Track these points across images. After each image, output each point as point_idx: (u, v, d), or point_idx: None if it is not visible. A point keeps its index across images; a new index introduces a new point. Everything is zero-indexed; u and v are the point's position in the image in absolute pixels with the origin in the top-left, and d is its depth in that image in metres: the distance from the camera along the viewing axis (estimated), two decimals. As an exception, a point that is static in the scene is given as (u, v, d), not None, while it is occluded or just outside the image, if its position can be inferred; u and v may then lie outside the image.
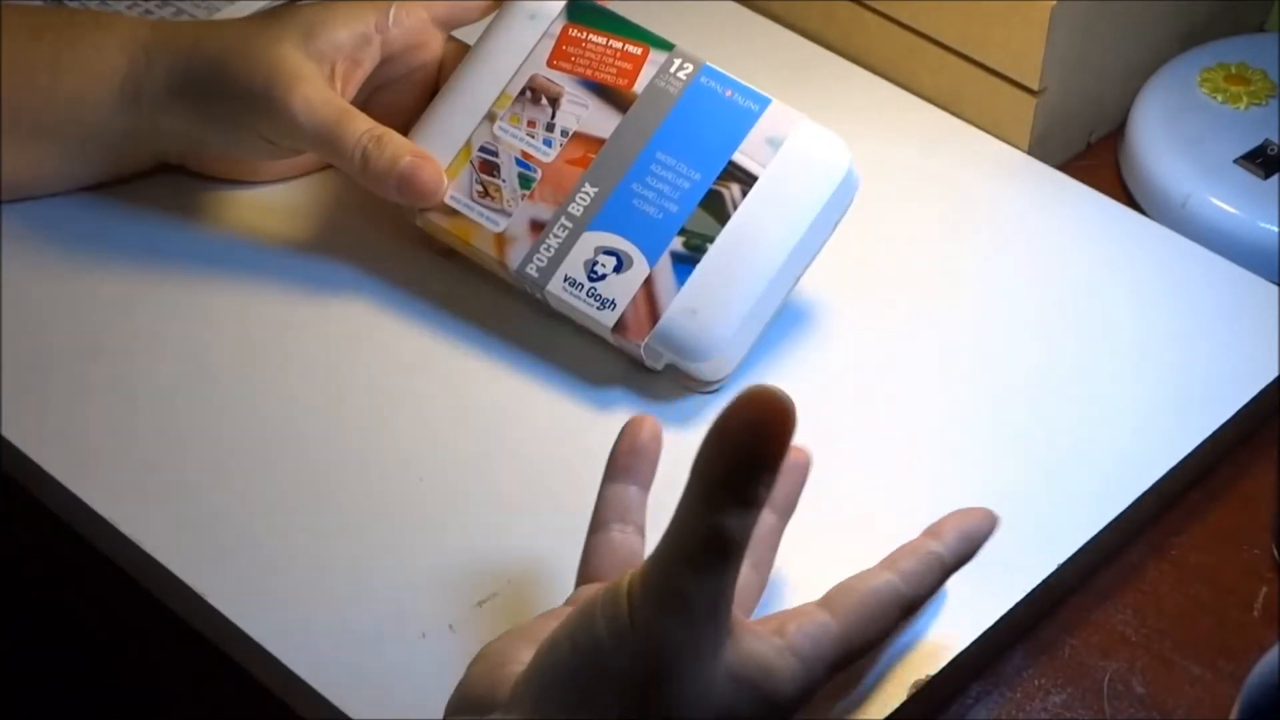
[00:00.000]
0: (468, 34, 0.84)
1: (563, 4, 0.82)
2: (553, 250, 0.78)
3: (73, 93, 0.81)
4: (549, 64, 0.81)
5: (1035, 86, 0.87)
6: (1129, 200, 0.89)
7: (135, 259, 0.83)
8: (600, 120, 0.80)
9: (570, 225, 0.78)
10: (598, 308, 0.77)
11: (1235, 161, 0.87)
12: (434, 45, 0.83)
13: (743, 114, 0.79)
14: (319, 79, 0.78)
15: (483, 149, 0.80)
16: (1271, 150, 0.88)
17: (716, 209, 0.77)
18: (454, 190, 0.80)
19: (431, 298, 0.82)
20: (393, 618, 0.70)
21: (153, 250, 0.83)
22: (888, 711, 0.67)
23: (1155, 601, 0.73)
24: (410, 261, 0.83)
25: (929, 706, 0.69)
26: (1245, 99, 0.90)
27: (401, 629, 0.69)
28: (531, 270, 0.78)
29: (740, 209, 0.77)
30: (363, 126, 0.78)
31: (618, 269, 0.77)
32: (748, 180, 0.77)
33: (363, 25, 0.80)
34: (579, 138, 0.79)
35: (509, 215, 0.79)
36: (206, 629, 0.71)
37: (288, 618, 0.69)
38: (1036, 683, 0.71)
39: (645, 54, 0.80)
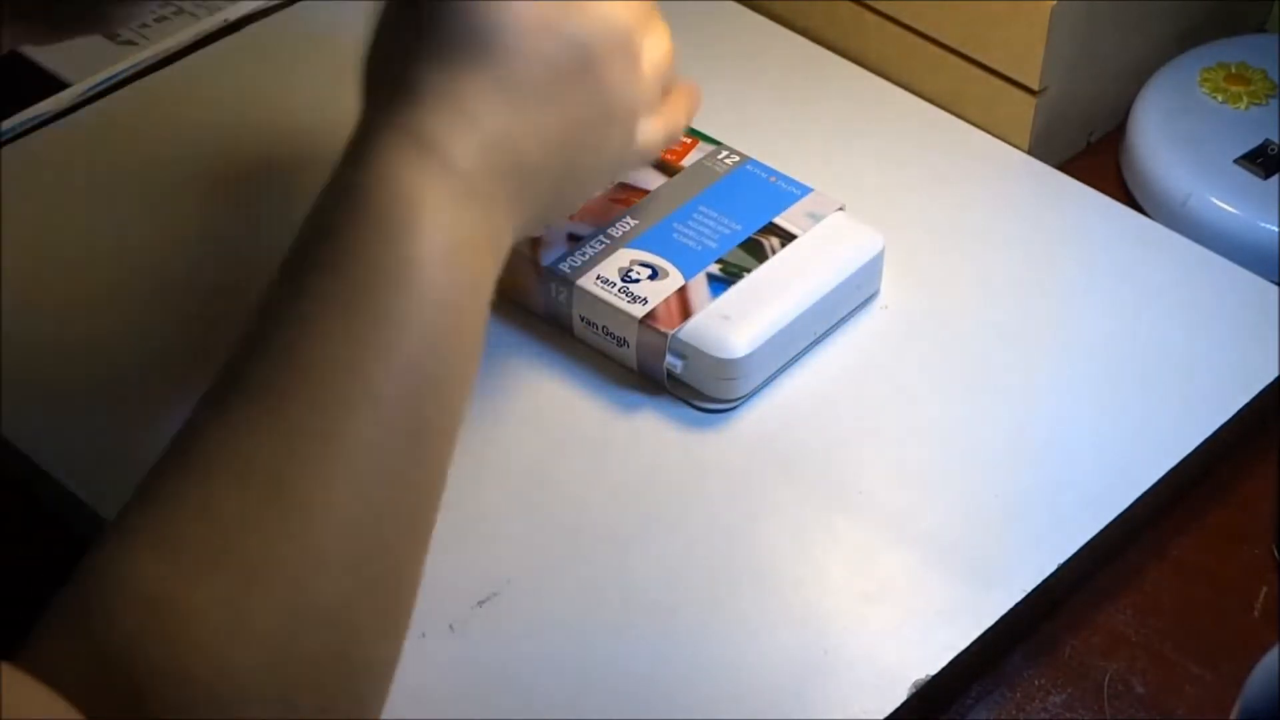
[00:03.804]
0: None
1: None
2: (588, 256, 0.78)
3: None
4: None
5: (1035, 86, 0.87)
6: (1129, 200, 0.89)
7: (139, 266, 0.83)
8: (646, 177, 0.82)
9: (608, 242, 0.79)
10: (628, 301, 0.77)
11: (1235, 161, 0.87)
12: None
13: (786, 194, 0.81)
14: None
15: None
16: (1271, 150, 0.88)
17: (755, 251, 0.79)
18: None
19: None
20: (393, 618, 0.70)
21: (155, 249, 0.83)
22: (888, 711, 0.67)
23: (1155, 601, 0.74)
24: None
25: (929, 706, 0.69)
26: (1245, 99, 0.90)
27: (401, 629, 0.69)
28: (564, 268, 0.78)
29: (778, 255, 0.79)
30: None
31: (653, 277, 0.78)
32: (787, 237, 0.79)
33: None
34: (624, 186, 0.81)
35: (546, 228, 0.79)
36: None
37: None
38: (1036, 683, 0.71)
39: (694, 143, 0.83)
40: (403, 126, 0.63)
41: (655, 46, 0.71)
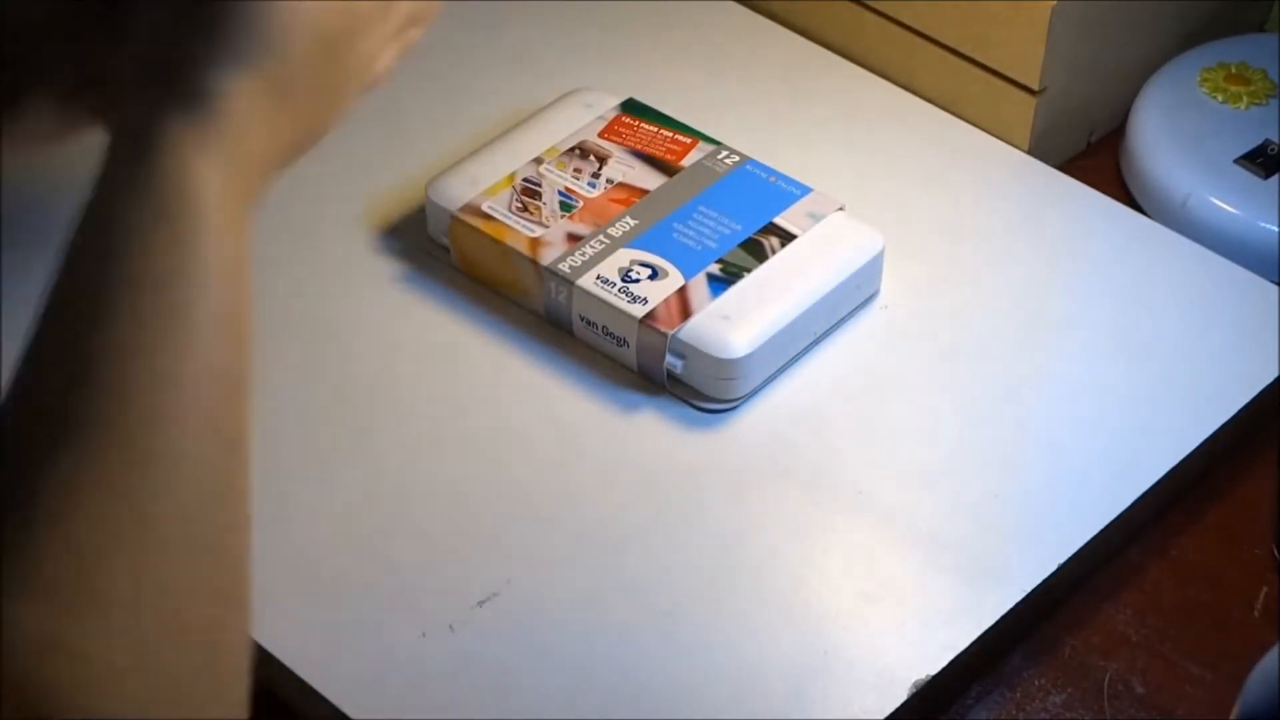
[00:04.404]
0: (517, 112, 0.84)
1: (618, 100, 0.85)
2: (588, 255, 0.78)
3: None
4: (600, 135, 0.84)
5: (1035, 86, 0.87)
6: (1129, 200, 0.89)
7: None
8: (645, 178, 0.82)
9: (608, 241, 0.79)
10: (628, 301, 0.77)
11: (1235, 161, 0.87)
12: None
13: (786, 194, 0.81)
14: None
15: (526, 179, 0.82)
16: (1271, 150, 0.88)
17: (755, 251, 0.79)
18: (493, 202, 0.80)
19: (439, 303, 0.81)
20: (393, 618, 0.70)
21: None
22: (888, 711, 0.67)
23: (1155, 601, 0.74)
24: (424, 271, 0.83)
25: (929, 706, 0.69)
26: (1245, 99, 0.90)
27: (401, 629, 0.69)
28: (564, 267, 0.78)
29: (778, 255, 0.79)
30: None
31: (652, 277, 0.78)
32: (787, 237, 0.80)
33: None
34: (623, 186, 0.81)
35: (546, 228, 0.80)
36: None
37: (287, 618, 0.69)
38: (1036, 683, 0.71)
39: (694, 143, 0.84)
40: (183, 119, 0.60)
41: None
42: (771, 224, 0.80)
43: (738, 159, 0.83)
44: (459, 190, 0.81)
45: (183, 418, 0.58)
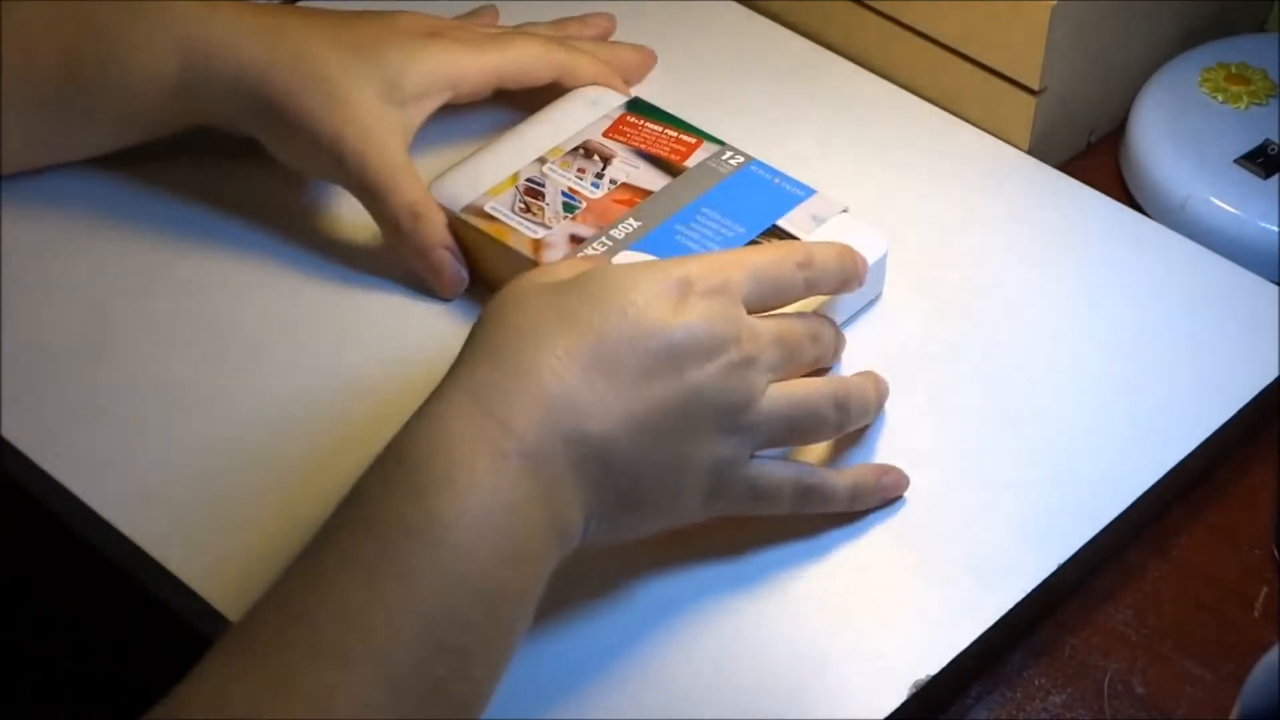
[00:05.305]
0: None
1: (624, 99, 0.85)
2: (591, 258, 0.78)
3: (120, 88, 0.80)
4: (604, 135, 0.83)
5: (1035, 86, 0.87)
6: (1129, 200, 0.89)
7: (139, 267, 0.83)
8: (649, 178, 0.81)
9: (610, 243, 0.78)
10: None
11: (1235, 161, 0.87)
12: (483, 91, 0.85)
13: (789, 196, 0.81)
14: (390, 134, 0.79)
15: (530, 179, 0.81)
16: (1271, 150, 0.88)
17: None
18: (496, 203, 0.80)
19: (440, 302, 0.81)
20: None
21: (157, 259, 0.83)
22: (888, 711, 0.67)
23: (1155, 601, 0.73)
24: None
25: (929, 706, 0.69)
26: (1245, 99, 0.90)
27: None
28: None
29: None
30: (408, 197, 0.79)
31: None
32: (790, 240, 0.79)
33: (443, 79, 0.81)
34: (627, 187, 0.81)
35: (549, 229, 0.79)
36: (208, 628, 0.71)
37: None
38: (1036, 683, 0.71)
39: (699, 143, 0.83)
40: (463, 383, 0.63)
41: (774, 341, 0.69)
42: (775, 227, 0.80)
43: (742, 159, 0.82)
44: (461, 189, 0.81)
45: (355, 660, 0.57)
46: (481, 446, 0.61)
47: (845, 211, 0.81)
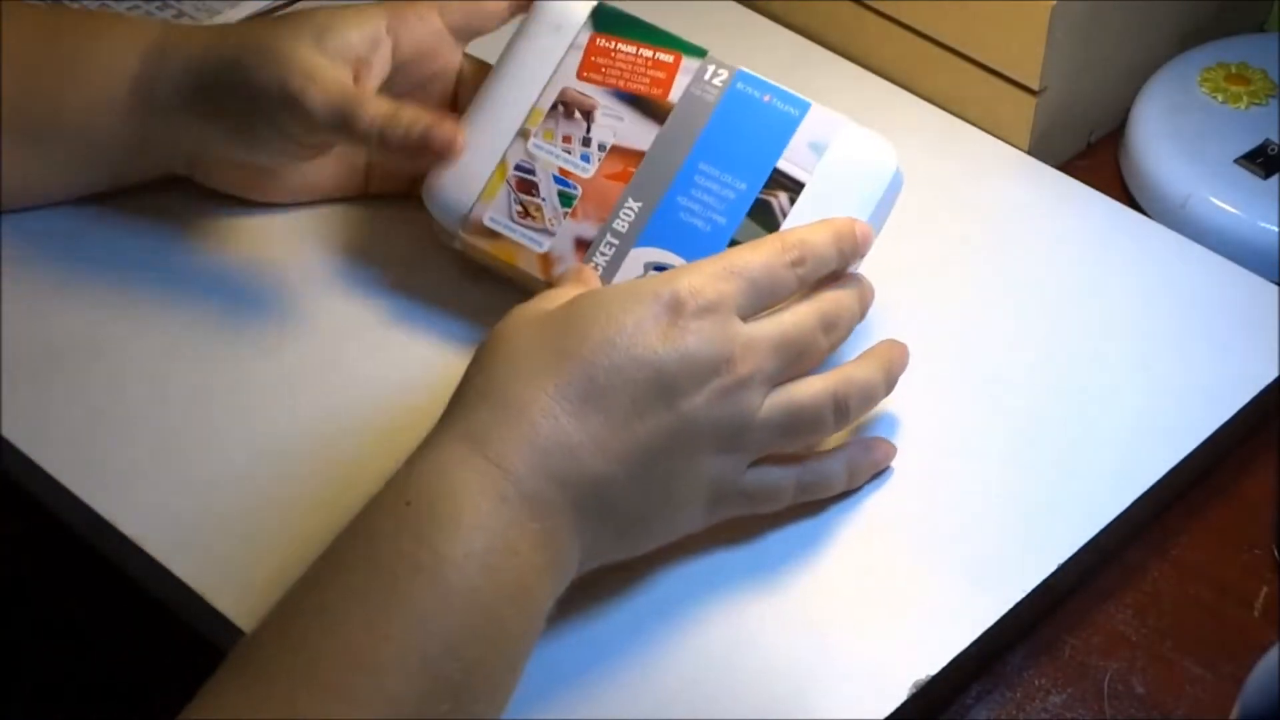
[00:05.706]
0: (490, 47, 0.83)
1: (587, 13, 0.80)
2: (601, 269, 0.76)
3: (82, 95, 0.80)
4: (579, 76, 0.79)
5: (1035, 86, 0.87)
6: (1129, 200, 0.89)
7: (138, 267, 0.83)
8: (637, 132, 0.78)
9: (617, 242, 0.77)
10: None
11: (1235, 161, 0.87)
12: (448, 56, 0.82)
13: (783, 119, 0.78)
14: (332, 70, 0.77)
15: (519, 167, 0.79)
16: (1271, 150, 0.88)
17: (765, 218, 0.76)
18: (493, 212, 0.78)
19: (441, 304, 0.81)
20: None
21: (156, 259, 0.83)
22: (888, 711, 0.67)
23: (1155, 601, 0.73)
24: (422, 270, 0.83)
25: (929, 706, 0.69)
26: (1245, 99, 0.90)
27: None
28: None
29: (789, 217, 0.76)
30: (377, 105, 0.76)
31: None
32: (794, 187, 0.76)
33: (373, 27, 0.79)
34: (617, 151, 0.78)
35: (552, 235, 0.78)
36: (207, 628, 0.71)
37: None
38: (1036, 683, 0.71)
39: (678, 61, 0.79)
40: (459, 428, 0.63)
41: (767, 367, 0.68)
42: (776, 173, 0.77)
43: (726, 75, 0.78)
44: (455, 195, 0.79)
45: (362, 697, 0.58)
46: (484, 489, 0.62)
47: (842, 124, 0.77)
